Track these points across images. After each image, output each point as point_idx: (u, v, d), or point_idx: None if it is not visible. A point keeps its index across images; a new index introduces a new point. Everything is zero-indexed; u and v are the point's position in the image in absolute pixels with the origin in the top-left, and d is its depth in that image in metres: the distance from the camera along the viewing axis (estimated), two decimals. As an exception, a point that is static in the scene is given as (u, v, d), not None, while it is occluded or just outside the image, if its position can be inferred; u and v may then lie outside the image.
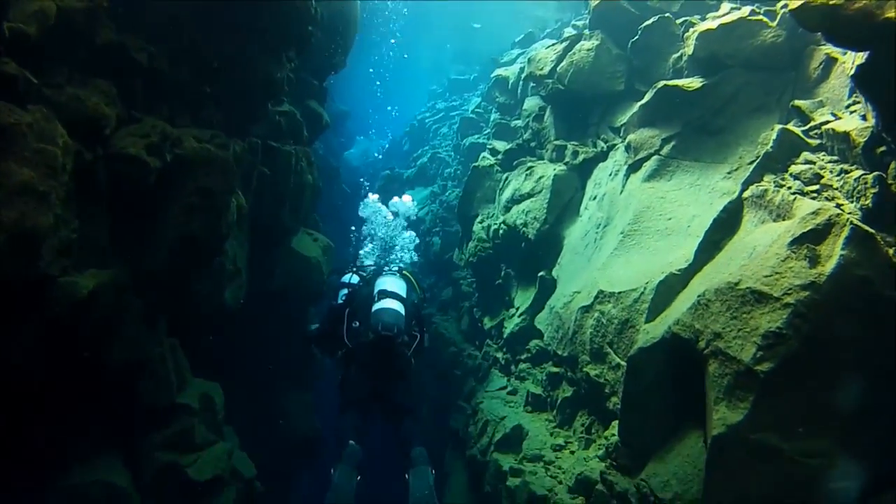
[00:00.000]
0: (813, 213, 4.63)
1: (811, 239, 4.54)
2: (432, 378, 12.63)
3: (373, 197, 11.91)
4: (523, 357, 9.56)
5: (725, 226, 6.15)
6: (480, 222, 11.72)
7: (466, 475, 9.38)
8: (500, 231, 10.55)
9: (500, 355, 10.36)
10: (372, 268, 9.53)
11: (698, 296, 5.09)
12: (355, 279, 8.92)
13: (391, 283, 7.58)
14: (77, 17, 5.17)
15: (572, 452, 7.11)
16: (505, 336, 10.12)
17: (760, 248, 5.01)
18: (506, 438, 8.08)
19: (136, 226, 6.37)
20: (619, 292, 6.64)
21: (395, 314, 7.15)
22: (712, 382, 4.70)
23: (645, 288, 6.35)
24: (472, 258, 11.54)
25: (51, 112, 4.77)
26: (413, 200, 20.85)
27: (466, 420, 9.69)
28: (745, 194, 6.09)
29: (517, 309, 10.04)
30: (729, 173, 7.39)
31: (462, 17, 29.54)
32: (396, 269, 8.63)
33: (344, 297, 8.17)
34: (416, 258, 11.78)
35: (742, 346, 4.50)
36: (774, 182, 5.86)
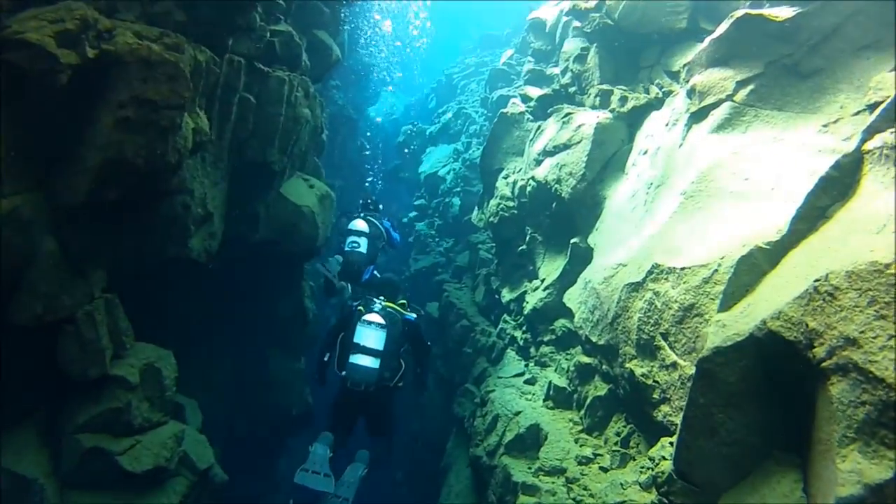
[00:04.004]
0: None
1: None
2: (440, 354, 11.16)
3: None
4: (546, 339, 8.00)
5: (835, 187, 4.49)
6: (505, 178, 10.09)
7: (470, 472, 7.93)
8: (528, 188, 8.90)
9: (518, 334, 8.82)
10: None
11: (816, 280, 3.46)
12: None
13: (368, 335, 7.36)
14: None
15: (603, 470, 5.56)
16: (525, 312, 8.55)
17: (913, 216, 3.38)
18: (519, 439, 6.58)
19: (52, 144, 4.86)
20: (683, 268, 5.02)
21: (365, 372, 7.19)
22: (836, 411, 3.11)
23: (719, 265, 4.72)
24: (493, 218, 9.93)
25: None
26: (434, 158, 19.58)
27: (474, 409, 8.19)
28: (868, 146, 4.42)
29: (542, 281, 8.45)
30: (825, 126, 5.72)
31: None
32: (380, 306, 7.74)
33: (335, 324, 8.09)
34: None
35: (896, 363, 2.89)
36: (920, 127, 4.17)
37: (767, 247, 4.53)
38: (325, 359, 7.60)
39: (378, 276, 10.01)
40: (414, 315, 8.01)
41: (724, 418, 3.97)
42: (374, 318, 7.44)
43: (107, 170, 4.87)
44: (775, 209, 4.97)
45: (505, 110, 10.70)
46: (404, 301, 8.24)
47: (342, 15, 11.72)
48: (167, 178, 5.43)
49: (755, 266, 4.53)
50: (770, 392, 3.83)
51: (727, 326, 4.13)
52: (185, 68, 5.12)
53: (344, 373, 7.25)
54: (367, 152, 24.13)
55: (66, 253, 5.15)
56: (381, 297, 7.96)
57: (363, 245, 9.81)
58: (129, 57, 4.77)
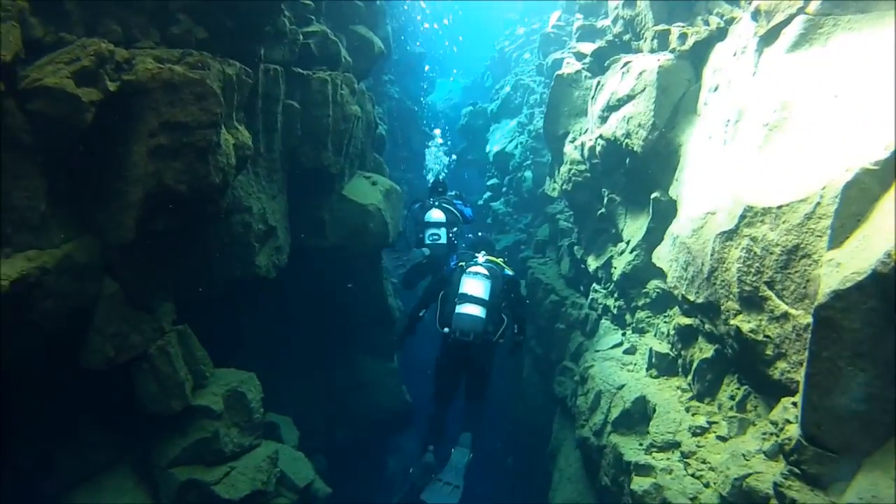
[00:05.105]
0: None
1: None
2: (533, 333, 10.76)
3: None
4: (640, 304, 7.49)
5: (948, 85, 3.86)
6: (572, 141, 9.55)
7: (579, 454, 7.53)
8: (598, 148, 8.35)
9: (610, 302, 8.32)
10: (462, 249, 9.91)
11: (947, 196, 2.91)
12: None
13: (473, 285, 7.50)
14: None
15: (721, 439, 5.07)
16: (615, 278, 8.05)
17: None
18: (626, 415, 6.15)
19: (93, 185, 4.74)
20: (780, 207, 4.45)
21: (472, 321, 7.27)
22: None
23: (821, 196, 4.14)
24: (566, 185, 9.43)
25: None
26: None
27: (574, 387, 7.77)
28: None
29: (627, 243, 7.92)
30: (921, 17, 5.00)
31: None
32: (484, 260, 7.98)
33: (435, 282, 8.26)
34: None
35: None
36: None
37: (875, 167, 3.90)
38: (421, 314, 7.84)
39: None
40: (512, 272, 8.17)
41: (853, 371, 3.44)
42: (478, 269, 7.65)
43: (151, 201, 4.72)
44: (876, 124, 4.34)
45: (560, 72, 10.14)
46: (504, 259, 8.44)
47: (379, 6, 11.39)
48: (216, 199, 5.24)
49: (864, 191, 3.92)
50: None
51: (842, 265, 3.57)
52: (214, 84, 4.91)
53: (447, 329, 7.32)
54: (435, 140, 23.94)
55: (127, 291, 5.05)
56: (483, 252, 8.17)
57: (443, 236, 10.06)
58: (152, 83, 4.59)
